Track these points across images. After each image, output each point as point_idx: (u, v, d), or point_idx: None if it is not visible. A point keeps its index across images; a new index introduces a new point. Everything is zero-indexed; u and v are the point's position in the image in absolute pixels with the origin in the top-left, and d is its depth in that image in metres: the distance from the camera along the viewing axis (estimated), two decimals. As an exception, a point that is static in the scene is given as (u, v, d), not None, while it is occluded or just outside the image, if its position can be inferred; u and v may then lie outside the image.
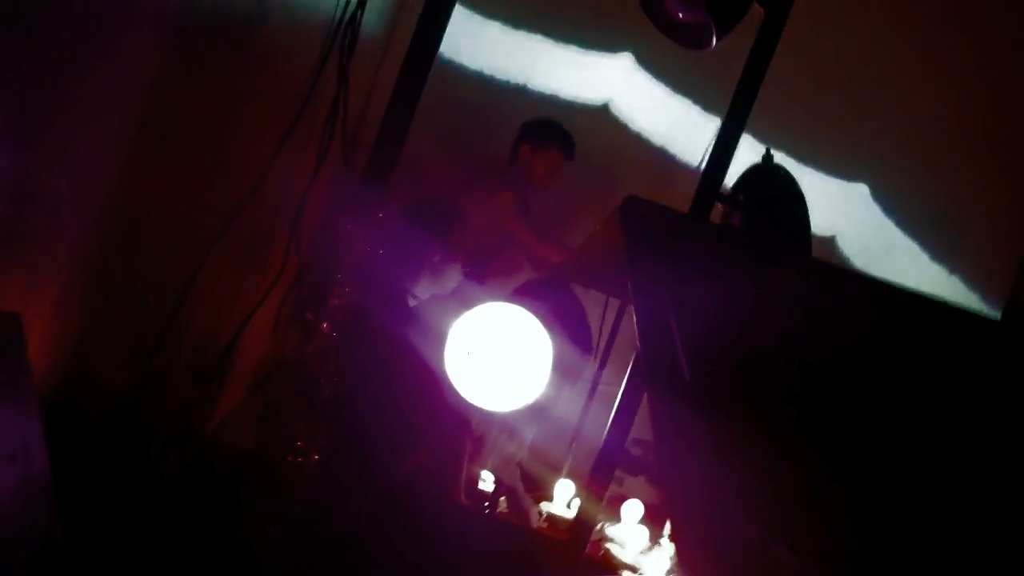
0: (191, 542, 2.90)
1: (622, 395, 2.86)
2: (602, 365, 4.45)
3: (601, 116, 5.43)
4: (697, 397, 2.02)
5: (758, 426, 2.02)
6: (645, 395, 3.12)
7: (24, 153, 2.24)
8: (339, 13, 3.06)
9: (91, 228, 2.68)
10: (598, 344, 4.31)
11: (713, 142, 2.80)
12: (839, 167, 6.00)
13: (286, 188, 3.29)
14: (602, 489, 3.13)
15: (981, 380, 1.94)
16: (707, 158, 2.79)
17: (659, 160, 5.43)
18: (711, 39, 2.73)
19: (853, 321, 2.01)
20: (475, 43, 4.96)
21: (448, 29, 2.92)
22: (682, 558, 2.14)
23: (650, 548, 4.35)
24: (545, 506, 4.30)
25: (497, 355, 3.10)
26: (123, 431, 3.11)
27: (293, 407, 3.03)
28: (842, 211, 5.80)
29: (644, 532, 4.31)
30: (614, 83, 5.41)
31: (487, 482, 4.10)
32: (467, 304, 3.51)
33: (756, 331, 2.10)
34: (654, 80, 5.47)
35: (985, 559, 1.78)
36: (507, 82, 5.30)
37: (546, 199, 4.92)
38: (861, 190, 6.17)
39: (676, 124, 5.49)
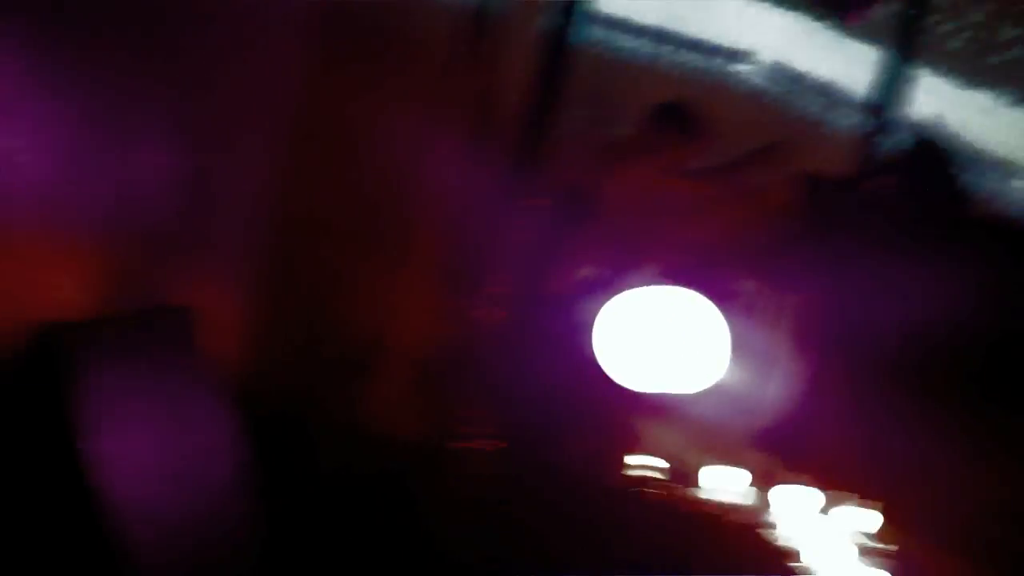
0: (376, 534, 2.93)
1: (801, 378, 2.80)
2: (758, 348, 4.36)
3: (741, 92, 5.34)
4: (897, 375, 1.98)
5: (963, 405, 1.96)
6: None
7: (199, 156, 2.28)
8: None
9: (263, 228, 2.72)
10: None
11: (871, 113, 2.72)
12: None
13: (438, 177, 3.30)
14: (778, 473, 3.07)
15: None
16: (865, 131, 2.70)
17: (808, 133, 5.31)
18: (869, 7, 2.66)
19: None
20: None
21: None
22: (896, 536, 2.11)
23: (821, 533, 4.25)
24: (704, 491, 4.22)
25: (667, 337, 3.06)
26: (293, 425, 3.16)
27: (460, 397, 3.04)
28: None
29: (816, 517, 4.21)
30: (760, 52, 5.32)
31: (650, 468, 4.05)
32: (617, 289, 3.48)
33: (955, 307, 2.04)
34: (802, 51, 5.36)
35: None
36: (642, 59, 5.24)
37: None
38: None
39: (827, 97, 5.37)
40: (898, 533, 3.72)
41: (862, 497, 4.12)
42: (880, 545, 4.04)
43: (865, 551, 4.02)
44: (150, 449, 2.08)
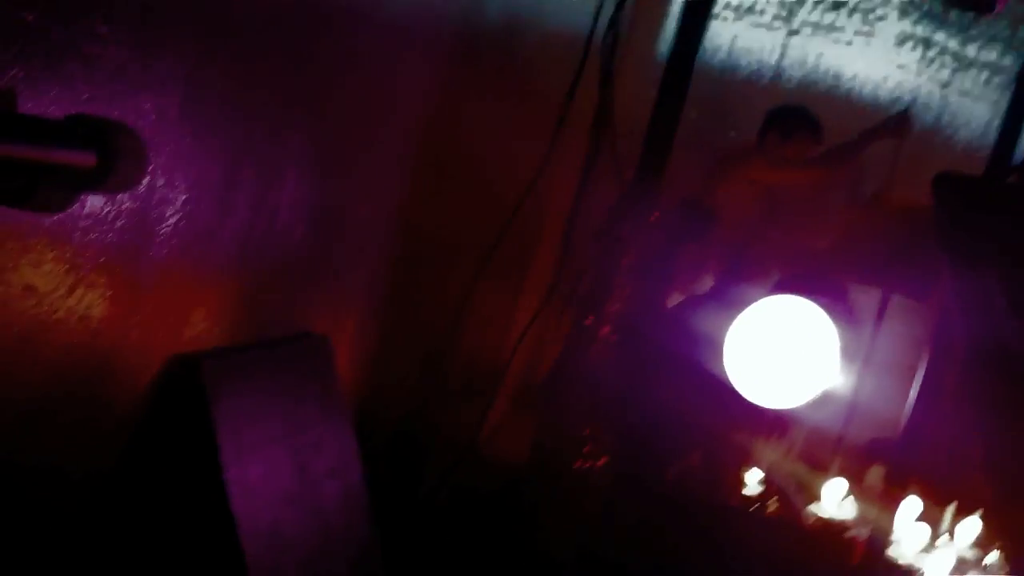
0: (491, 551, 2.96)
1: (921, 387, 2.76)
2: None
3: (852, 97, 5.29)
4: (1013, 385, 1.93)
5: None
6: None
7: (328, 184, 2.34)
8: (595, 19, 3.06)
9: (383, 251, 2.78)
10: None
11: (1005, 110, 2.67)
12: None
13: (554, 198, 3.33)
14: (897, 486, 3.03)
15: None
16: (998, 126, 2.65)
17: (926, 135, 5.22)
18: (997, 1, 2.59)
19: None
20: (714, 35, 4.90)
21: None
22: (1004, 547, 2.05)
23: (930, 546, 4.17)
24: (816, 506, 4.18)
25: (785, 350, 3.05)
26: (409, 446, 3.21)
27: (577, 413, 3.06)
28: None
29: (925, 530, 4.14)
30: (866, 62, 5.25)
31: (758, 483, 4.03)
32: (729, 303, 3.47)
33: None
34: (917, 52, 5.27)
35: None
36: (749, 72, 5.23)
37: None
38: None
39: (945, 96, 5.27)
40: (1007, 544, 3.65)
41: (975, 508, 4.04)
42: (990, 556, 3.95)
43: (976, 563, 3.94)
44: (286, 474, 2.14)
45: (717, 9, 4.76)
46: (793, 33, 5.30)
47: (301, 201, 2.17)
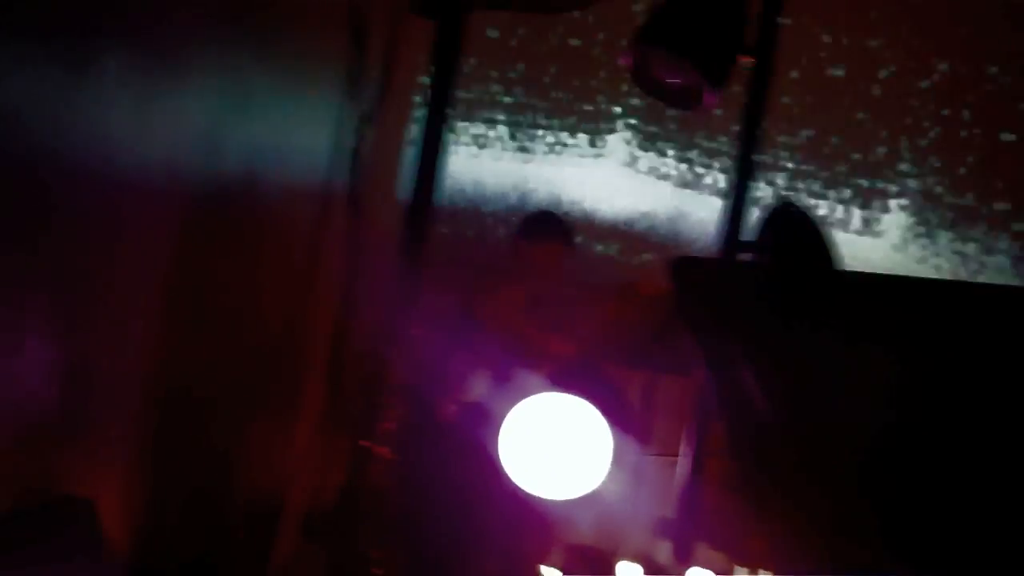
0: None
1: (687, 466, 2.89)
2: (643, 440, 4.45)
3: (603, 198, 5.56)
4: (779, 461, 2.04)
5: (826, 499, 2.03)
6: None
7: (73, 339, 2.27)
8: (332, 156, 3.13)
9: (142, 402, 2.70)
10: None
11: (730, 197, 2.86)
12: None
13: (319, 327, 3.32)
14: (684, 559, 3.13)
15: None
16: (724, 212, 2.84)
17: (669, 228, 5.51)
18: (704, 98, 2.80)
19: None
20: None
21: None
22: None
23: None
24: (627, 588, 4.25)
25: (558, 444, 3.13)
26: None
27: (364, 536, 3.03)
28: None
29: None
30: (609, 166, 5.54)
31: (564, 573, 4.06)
32: (504, 406, 3.53)
33: (838, 390, 2.10)
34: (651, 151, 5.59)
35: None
36: (504, 191, 5.45)
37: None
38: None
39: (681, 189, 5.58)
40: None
41: (757, 569, 4.21)
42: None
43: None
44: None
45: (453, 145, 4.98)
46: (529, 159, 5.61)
47: (46, 362, 2.10)
